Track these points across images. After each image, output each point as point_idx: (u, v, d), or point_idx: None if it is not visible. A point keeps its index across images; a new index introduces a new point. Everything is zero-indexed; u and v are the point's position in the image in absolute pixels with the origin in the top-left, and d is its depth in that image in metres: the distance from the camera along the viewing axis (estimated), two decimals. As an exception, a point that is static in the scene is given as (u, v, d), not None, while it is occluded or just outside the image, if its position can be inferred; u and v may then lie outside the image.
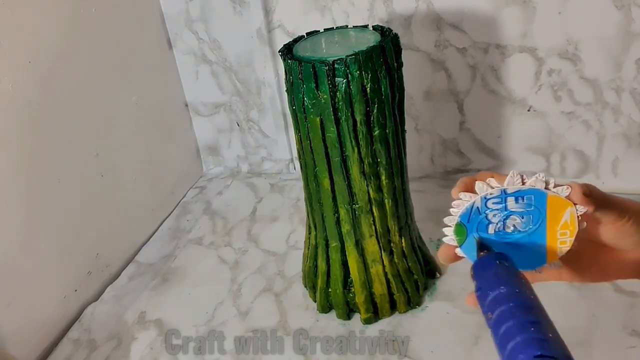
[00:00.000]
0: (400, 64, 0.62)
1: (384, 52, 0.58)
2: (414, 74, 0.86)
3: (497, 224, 0.36)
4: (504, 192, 0.35)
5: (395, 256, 0.68)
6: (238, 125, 1.08)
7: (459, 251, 0.37)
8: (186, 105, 1.08)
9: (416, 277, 0.71)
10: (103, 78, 0.85)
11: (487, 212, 0.35)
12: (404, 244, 0.69)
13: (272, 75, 0.98)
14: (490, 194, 0.35)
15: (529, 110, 0.87)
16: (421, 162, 0.98)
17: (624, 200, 0.36)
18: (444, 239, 0.37)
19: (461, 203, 0.35)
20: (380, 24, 0.72)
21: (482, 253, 0.35)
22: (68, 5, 0.77)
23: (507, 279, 0.32)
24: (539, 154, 0.90)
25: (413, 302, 0.71)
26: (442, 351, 0.65)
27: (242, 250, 0.88)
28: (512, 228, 0.36)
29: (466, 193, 0.35)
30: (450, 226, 0.36)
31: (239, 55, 0.99)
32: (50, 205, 0.75)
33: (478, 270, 0.35)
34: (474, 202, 0.35)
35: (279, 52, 0.64)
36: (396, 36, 0.61)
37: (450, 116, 0.92)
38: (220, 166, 1.14)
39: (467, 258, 0.37)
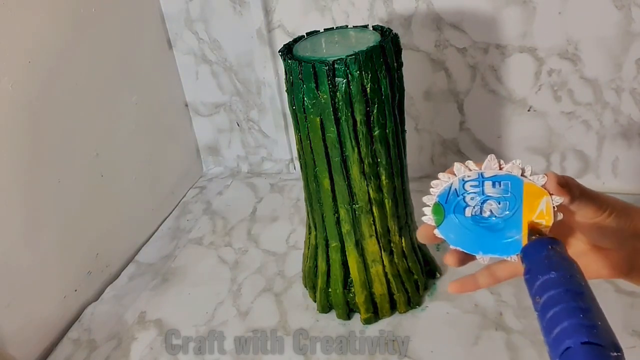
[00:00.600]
0: (400, 64, 0.62)
1: (384, 52, 0.58)
2: (414, 74, 0.86)
3: (474, 207, 0.36)
4: (482, 175, 0.35)
5: (395, 256, 0.68)
6: (238, 125, 1.08)
7: (437, 232, 0.38)
8: (186, 105, 1.08)
9: (416, 277, 0.71)
10: (103, 78, 0.85)
11: (465, 194, 0.36)
12: (404, 244, 0.69)
13: (272, 75, 0.98)
14: (468, 176, 0.35)
15: (529, 110, 0.87)
16: (421, 162, 0.98)
17: (604, 196, 0.36)
18: (423, 218, 0.38)
19: (440, 183, 0.36)
20: (380, 24, 0.72)
21: (533, 237, 0.35)
22: (68, 5, 0.77)
23: (558, 264, 0.31)
24: (539, 154, 0.90)
25: (413, 302, 0.71)
26: (442, 351, 0.65)
27: (242, 250, 0.88)
28: (488, 213, 0.36)
29: (445, 174, 0.36)
30: (428, 205, 0.37)
31: (239, 55, 0.99)
32: (50, 205, 0.75)
33: (528, 254, 0.34)
34: (452, 184, 0.36)
35: (279, 52, 0.64)
36: (396, 36, 0.61)
37: (450, 116, 0.92)
38: (220, 166, 1.14)
39: (445, 239, 0.38)
